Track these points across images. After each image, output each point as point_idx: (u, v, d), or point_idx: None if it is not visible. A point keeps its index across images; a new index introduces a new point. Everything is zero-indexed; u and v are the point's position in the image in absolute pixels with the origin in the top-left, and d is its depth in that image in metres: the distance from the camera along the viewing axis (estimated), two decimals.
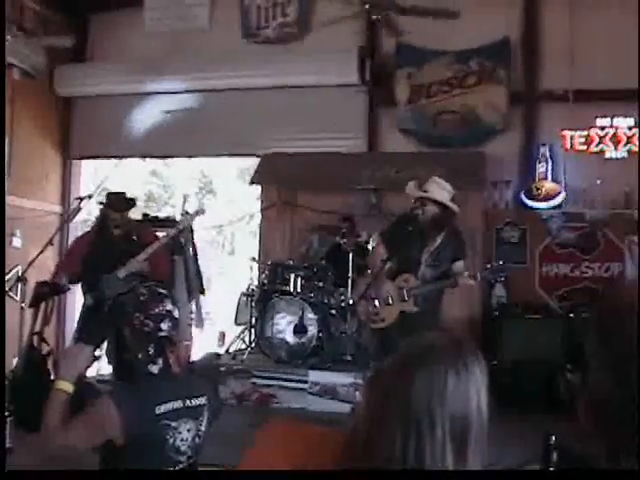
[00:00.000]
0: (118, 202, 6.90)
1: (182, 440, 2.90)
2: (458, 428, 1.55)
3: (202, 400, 3.01)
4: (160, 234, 7.36)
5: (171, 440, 2.86)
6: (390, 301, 5.64)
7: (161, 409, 2.85)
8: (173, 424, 2.87)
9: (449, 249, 5.71)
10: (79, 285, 6.96)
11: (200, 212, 7.23)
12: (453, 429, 1.54)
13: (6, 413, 2.95)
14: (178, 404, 2.90)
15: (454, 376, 1.57)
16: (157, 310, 2.95)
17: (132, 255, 6.58)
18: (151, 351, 2.93)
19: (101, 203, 6.97)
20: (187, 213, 7.18)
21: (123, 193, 7.08)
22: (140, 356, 2.94)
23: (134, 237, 6.81)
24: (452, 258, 5.71)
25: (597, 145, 8.76)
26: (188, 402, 2.94)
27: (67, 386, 2.84)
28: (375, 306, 5.69)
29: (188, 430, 2.91)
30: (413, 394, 1.55)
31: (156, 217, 9.32)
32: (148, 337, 2.93)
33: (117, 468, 2.81)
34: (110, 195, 7.02)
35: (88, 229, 7.43)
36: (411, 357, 1.64)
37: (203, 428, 2.99)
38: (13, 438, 3.70)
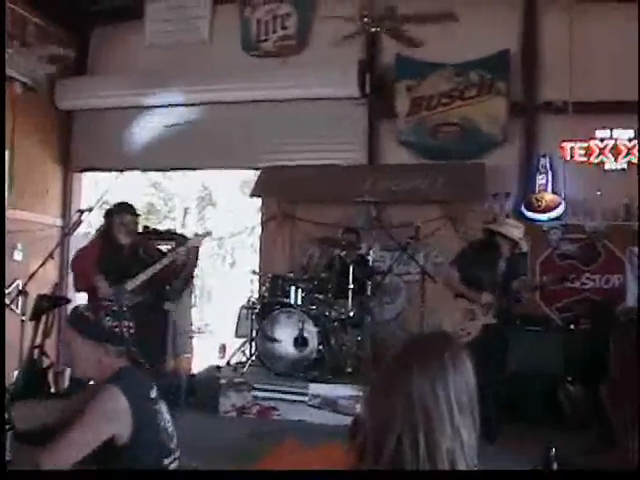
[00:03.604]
0: (130, 208, 6.96)
1: (167, 421, 2.99)
2: (459, 411, 1.68)
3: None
4: (162, 247, 7.41)
5: (162, 423, 2.95)
6: (474, 316, 6.62)
7: (153, 393, 2.95)
8: (159, 407, 2.98)
9: (513, 269, 6.92)
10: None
11: (208, 234, 7.29)
12: (456, 412, 1.67)
13: (7, 426, 2.91)
14: (155, 387, 3.02)
15: (451, 366, 1.71)
16: (128, 314, 3.14)
17: (139, 269, 6.60)
18: (136, 350, 3.11)
19: (110, 211, 6.94)
20: (196, 235, 7.17)
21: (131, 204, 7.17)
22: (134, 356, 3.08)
23: (140, 252, 6.84)
24: (514, 276, 6.92)
25: (597, 156, 8.77)
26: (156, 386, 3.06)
27: None
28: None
29: (166, 411, 3.02)
30: (415, 383, 1.67)
31: (156, 230, 9.34)
32: (132, 338, 3.09)
33: (119, 463, 2.81)
34: (121, 203, 7.06)
35: (91, 240, 7.37)
36: (411, 352, 1.78)
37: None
38: (13, 451, 3.67)
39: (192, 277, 8.43)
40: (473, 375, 1.74)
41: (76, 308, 3.14)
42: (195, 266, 7.84)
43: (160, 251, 7.09)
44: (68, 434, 2.71)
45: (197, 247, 7.06)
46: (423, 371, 1.69)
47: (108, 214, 6.93)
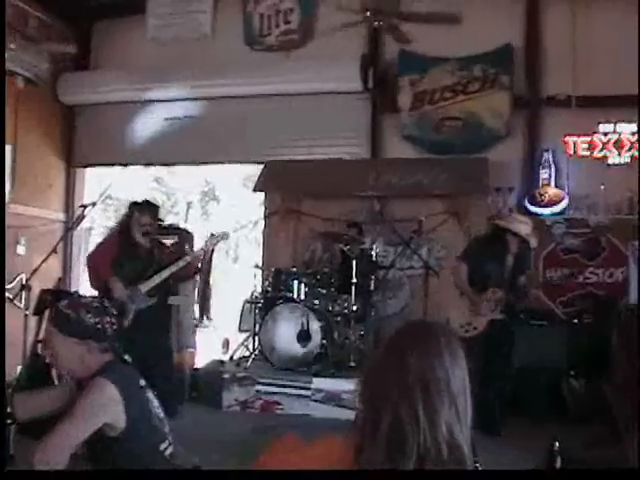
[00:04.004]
0: (153, 208, 6.95)
1: (157, 408, 3.01)
2: (455, 401, 1.69)
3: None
4: (167, 241, 7.41)
5: (153, 410, 2.97)
6: (482, 311, 6.63)
7: (142, 382, 2.97)
8: (148, 395, 3.00)
9: (520, 264, 6.84)
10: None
11: (225, 236, 7.26)
12: (452, 385, 1.70)
13: (9, 421, 2.93)
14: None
15: (447, 353, 1.74)
16: (112, 309, 3.13)
17: (154, 270, 6.62)
18: (119, 346, 3.10)
19: (132, 209, 6.92)
20: (212, 235, 7.16)
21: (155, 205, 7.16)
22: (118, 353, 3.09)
23: (156, 252, 6.85)
24: (521, 272, 6.86)
25: (600, 151, 8.75)
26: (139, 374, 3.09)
27: None
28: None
29: (153, 398, 3.04)
30: (413, 372, 1.69)
31: (159, 224, 9.33)
32: (116, 334, 3.08)
33: (115, 452, 2.82)
34: (144, 202, 7.04)
35: (108, 236, 7.36)
36: (408, 332, 1.83)
37: None
38: (15, 445, 3.68)
39: (209, 275, 8.48)
40: (465, 363, 1.77)
41: (57, 306, 3.11)
42: (210, 267, 7.86)
43: (173, 252, 7.10)
44: (59, 427, 2.72)
45: (213, 248, 7.07)
46: (419, 347, 1.73)
47: (129, 209, 6.93)
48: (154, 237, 6.97)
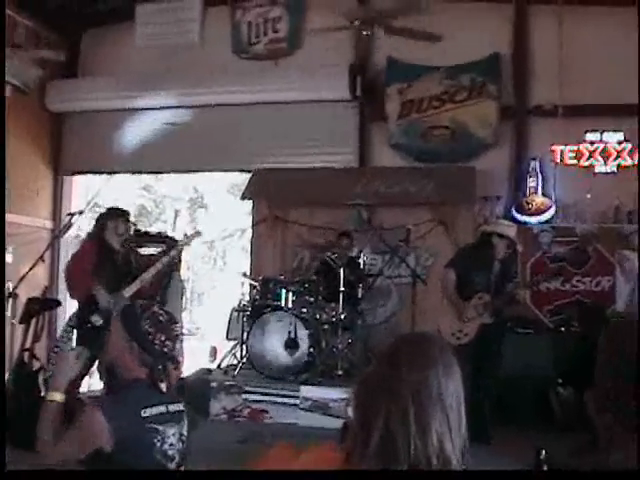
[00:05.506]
0: (123, 213, 6.93)
1: (170, 445, 2.92)
2: (447, 413, 1.69)
3: (181, 406, 3.04)
4: (150, 250, 7.40)
5: (158, 444, 2.88)
6: (471, 317, 6.63)
7: (146, 412, 2.85)
8: (160, 428, 2.88)
9: (507, 269, 6.95)
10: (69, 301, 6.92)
11: (197, 234, 7.23)
12: (445, 399, 1.70)
13: None
14: (162, 409, 2.92)
15: (441, 365, 1.73)
16: (174, 332, 2.98)
17: (134, 275, 6.57)
18: (161, 369, 2.95)
19: (103, 216, 6.89)
20: (185, 236, 7.14)
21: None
22: (154, 374, 2.95)
23: (132, 258, 6.83)
24: (508, 278, 6.91)
25: (587, 159, 8.81)
26: (170, 407, 2.96)
27: (58, 396, 2.85)
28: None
29: (173, 434, 2.94)
30: (406, 383, 1.69)
31: (147, 232, 9.31)
32: (164, 357, 2.95)
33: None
34: (115, 208, 7.03)
35: (83, 245, 7.30)
36: (402, 344, 1.82)
37: (186, 433, 3.02)
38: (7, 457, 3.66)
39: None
40: (460, 375, 1.76)
41: (135, 300, 3.09)
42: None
43: (149, 257, 7.09)
44: (58, 444, 2.73)
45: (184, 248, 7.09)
46: (412, 358, 1.73)
47: (101, 219, 6.88)
48: (131, 245, 6.96)
